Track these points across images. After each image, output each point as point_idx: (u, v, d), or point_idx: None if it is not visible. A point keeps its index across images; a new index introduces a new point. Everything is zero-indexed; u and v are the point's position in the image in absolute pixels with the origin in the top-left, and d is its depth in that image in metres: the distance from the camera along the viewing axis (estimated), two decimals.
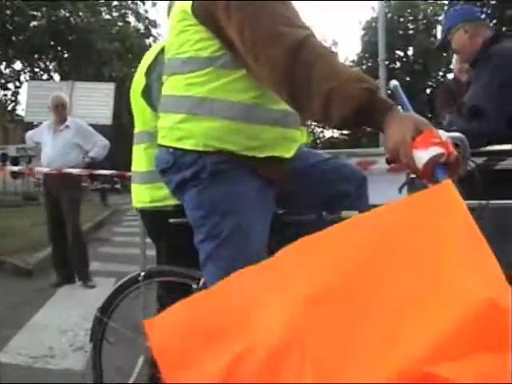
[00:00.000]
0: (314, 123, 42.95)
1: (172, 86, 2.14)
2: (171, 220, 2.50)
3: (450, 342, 1.11)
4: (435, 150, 1.51)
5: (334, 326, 1.31)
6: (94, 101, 15.88)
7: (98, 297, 2.78)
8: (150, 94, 3.12)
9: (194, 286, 2.47)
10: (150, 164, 3.08)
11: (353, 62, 41.58)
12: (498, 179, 2.97)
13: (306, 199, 2.39)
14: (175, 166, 2.11)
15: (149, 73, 3.17)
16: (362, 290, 1.33)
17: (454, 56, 4.74)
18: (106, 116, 15.74)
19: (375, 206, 2.59)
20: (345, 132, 43.11)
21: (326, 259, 1.43)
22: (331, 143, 40.38)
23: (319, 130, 47.28)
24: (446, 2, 28.77)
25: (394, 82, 1.91)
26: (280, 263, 1.52)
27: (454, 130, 2.56)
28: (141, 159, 3.20)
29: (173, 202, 2.90)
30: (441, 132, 1.58)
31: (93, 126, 8.29)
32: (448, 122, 3.65)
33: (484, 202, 2.05)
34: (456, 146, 1.72)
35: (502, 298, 1.10)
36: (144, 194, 3.16)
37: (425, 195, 1.41)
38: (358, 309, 1.31)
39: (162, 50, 3.14)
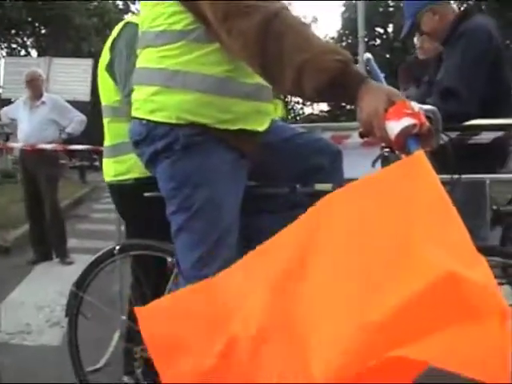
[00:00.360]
0: (293, 99, 42.93)
1: (146, 58, 2.13)
2: (146, 194, 2.50)
3: (409, 314, 1.12)
4: (407, 121, 1.52)
5: (309, 300, 1.32)
6: (72, 77, 15.76)
7: (75, 273, 2.77)
8: (113, 69, 3.12)
9: (169, 260, 2.47)
10: (114, 138, 3.14)
11: (333, 38, 41.49)
12: (471, 153, 3.00)
13: (280, 172, 2.38)
14: (148, 138, 2.10)
15: (112, 47, 3.17)
16: (337, 262, 1.34)
17: (417, 35, 4.68)
18: (84, 92, 15.63)
19: (350, 180, 2.62)
20: (324, 109, 43.09)
21: (304, 237, 1.44)
22: (311, 120, 40.35)
23: (299, 106, 47.26)
24: None
25: (367, 55, 1.91)
26: (264, 252, 1.52)
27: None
28: (107, 133, 3.21)
29: (136, 175, 2.93)
30: (413, 103, 1.58)
31: (71, 102, 8.22)
32: (421, 97, 3.66)
33: (456, 175, 2.05)
34: (428, 118, 1.72)
35: (465, 271, 1.11)
36: (109, 168, 3.17)
37: (397, 167, 1.42)
38: (330, 282, 1.32)
39: (126, 25, 3.14)
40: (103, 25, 28.03)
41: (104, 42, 3.30)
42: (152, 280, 2.79)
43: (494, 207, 3.89)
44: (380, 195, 1.38)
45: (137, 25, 3.05)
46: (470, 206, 3.24)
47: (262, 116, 2.21)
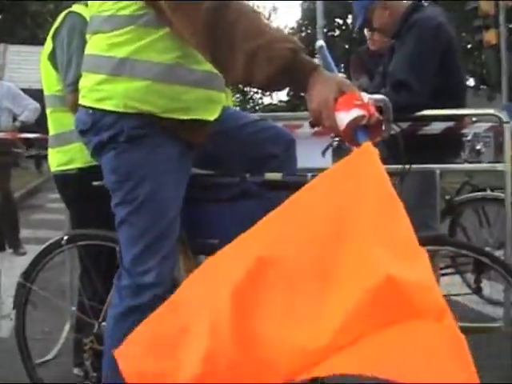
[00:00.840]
0: (253, 89, 42.88)
1: (94, 45, 2.08)
2: (94, 183, 2.47)
3: (353, 319, 1.13)
4: (356, 112, 1.51)
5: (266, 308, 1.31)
6: (27, 65, 15.49)
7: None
8: (55, 58, 3.09)
9: (118, 249, 2.44)
10: (56, 128, 3.12)
11: (292, 29, 41.46)
12: (422, 144, 3.03)
13: (232, 160, 2.35)
14: (94, 127, 2.05)
15: (55, 37, 3.14)
16: (291, 270, 1.33)
17: None
18: (39, 80, 15.34)
19: (302, 169, 2.62)
20: (283, 99, 43.15)
21: (259, 244, 1.43)
22: (270, 110, 40.35)
23: (258, 96, 47.20)
24: None
25: (319, 43, 1.89)
26: (222, 259, 1.50)
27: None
28: (50, 123, 3.19)
29: (78, 164, 2.92)
30: (363, 94, 1.57)
31: (26, 90, 8.07)
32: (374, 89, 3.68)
33: (407, 166, 2.07)
34: (379, 108, 1.73)
35: (405, 271, 1.11)
36: (53, 158, 3.15)
37: (346, 162, 1.42)
38: (285, 291, 1.32)
39: (68, 14, 3.10)
40: (59, 12, 27.52)
41: None
42: (101, 270, 2.76)
43: (447, 197, 3.95)
44: (330, 194, 1.38)
45: (79, 14, 3.03)
46: (422, 197, 3.28)
47: (214, 105, 2.16)
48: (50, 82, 3.14)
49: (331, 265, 1.27)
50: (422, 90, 3.14)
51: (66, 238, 2.63)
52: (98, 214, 2.39)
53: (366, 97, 1.56)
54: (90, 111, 2.05)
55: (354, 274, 1.19)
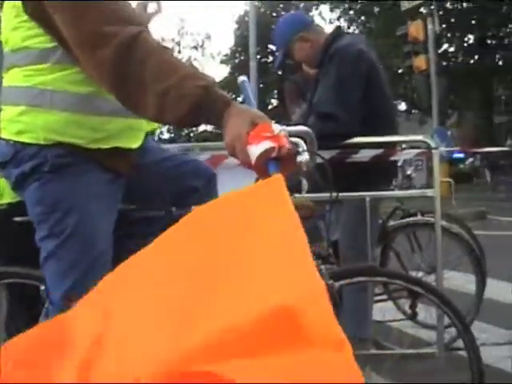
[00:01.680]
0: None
1: (12, 77, 2.02)
2: (16, 218, 2.37)
3: (233, 340, 1.07)
4: (266, 144, 1.48)
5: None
6: None
7: None
8: None
9: (42, 288, 2.34)
10: None
11: (226, 55, 41.67)
12: (352, 172, 3.03)
13: (154, 195, 2.31)
14: (15, 159, 1.97)
15: None
16: (176, 283, 1.27)
17: None
18: None
19: None
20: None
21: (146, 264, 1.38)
22: (204, 137, 40.52)
23: None
24: None
25: (241, 78, 1.87)
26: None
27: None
28: None
29: (7, 199, 2.80)
30: (276, 126, 1.54)
31: None
32: (298, 119, 3.67)
33: (334, 194, 2.05)
34: (303, 139, 1.70)
35: (299, 302, 1.05)
36: None
37: (254, 189, 1.38)
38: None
39: None
40: None
41: None
42: (26, 308, 2.66)
43: (380, 220, 3.96)
44: (232, 217, 1.33)
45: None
46: (355, 224, 3.28)
47: (135, 132, 2.12)
48: None
49: (219, 279, 1.20)
50: (348, 119, 3.12)
51: None
52: (29, 251, 2.29)
53: (278, 128, 1.53)
54: (11, 142, 1.97)
55: (241, 296, 1.13)
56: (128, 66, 1.64)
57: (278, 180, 1.34)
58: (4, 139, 2.01)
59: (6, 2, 2.03)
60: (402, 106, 29.29)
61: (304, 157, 1.64)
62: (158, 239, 1.42)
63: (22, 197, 2.05)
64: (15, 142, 1.96)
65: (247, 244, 1.24)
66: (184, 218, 1.41)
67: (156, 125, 2.87)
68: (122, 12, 1.76)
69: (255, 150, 1.48)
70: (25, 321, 2.62)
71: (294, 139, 1.65)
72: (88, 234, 1.96)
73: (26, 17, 1.91)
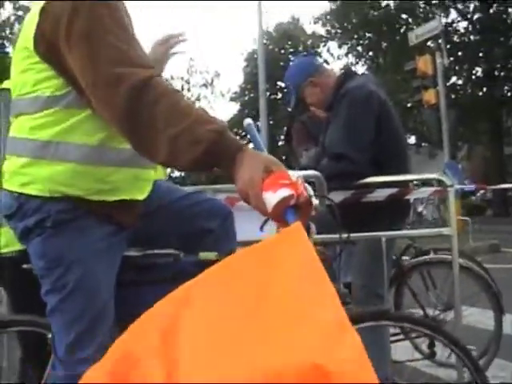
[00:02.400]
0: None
1: (17, 127, 1.99)
2: (24, 266, 2.34)
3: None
4: (284, 193, 1.46)
5: None
6: None
7: None
8: None
9: (50, 336, 2.31)
10: None
11: (235, 93, 41.93)
12: (366, 211, 3.00)
13: (165, 238, 2.26)
14: (19, 212, 1.95)
15: None
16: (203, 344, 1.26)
17: None
18: None
19: (244, 242, 2.53)
20: None
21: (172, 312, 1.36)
22: (214, 177, 40.61)
23: None
24: (324, 34, 29.66)
25: (247, 121, 1.85)
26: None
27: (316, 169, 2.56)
28: None
29: (17, 247, 2.78)
30: (291, 172, 1.53)
31: None
32: (309, 161, 3.66)
33: (344, 235, 2.04)
34: (312, 184, 1.68)
35: (331, 361, 1.05)
36: None
37: (275, 240, 1.36)
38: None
39: (1, 92, 3.01)
40: (4, 80, 27.35)
41: None
42: (37, 356, 2.62)
43: (394, 257, 3.91)
44: (256, 269, 1.32)
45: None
46: (369, 265, 3.24)
47: (142, 183, 2.09)
48: None
49: (252, 332, 1.20)
50: (361, 160, 3.11)
51: None
52: (38, 298, 2.26)
53: (294, 175, 1.52)
54: (15, 195, 1.95)
55: (274, 355, 1.12)
56: (140, 109, 1.63)
57: (298, 229, 1.33)
58: (8, 191, 1.98)
59: (17, 44, 2.03)
60: (412, 140, 29.30)
61: (313, 201, 1.61)
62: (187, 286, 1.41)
63: (28, 249, 2.03)
64: (19, 194, 1.93)
65: (275, 296, 1.23)
66: (211, 269, 1.40)
67: (164, 174, 2.85)
68: (135, 54, 1.76)
69: (273, 198, 1.46)
70: (37, 368, 2.59)
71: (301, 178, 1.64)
72: (90, 288, 1.93)
73: (37, 58, 1.89)
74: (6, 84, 3.08)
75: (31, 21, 1.91)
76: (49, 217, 1.89)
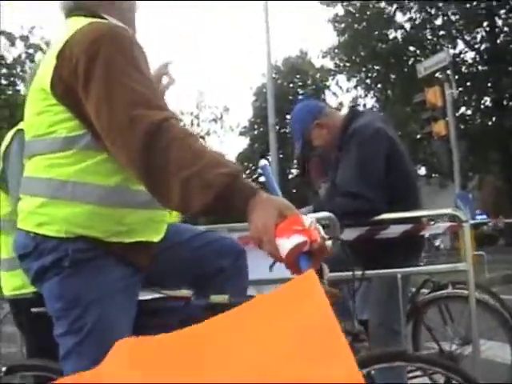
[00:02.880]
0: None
1: (32, 167, 1.99)
2: (33, 309, 2.32)
3: None
4: (297, 239, 1.44)
5: None
6: None
7: None
8: (5, 179, 3.02)
9: None
10: (7, 251, 3.00)
11: (245, 127, 42.10)
12: (381, 248, 2.99)
13: (177, 278, 2.27)
14: (35, 251, 1.92)
15: (5, 156, 3.07)
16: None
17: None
18: None
19: (256, 281, 2.51)
20: None
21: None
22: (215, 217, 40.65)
23: None
24: (333, 68, 29.83)
25: (262, 162, 1.84)
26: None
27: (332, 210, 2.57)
28: (1, 246, 3.09)
29: (32, 288, 2.77)
30: (305, 217, 1.51)
31: None
32: (323, 197, 3.65)
33: (358, 272, 2.02)
34: (326, 226, 1.67)
35: None
36: (6, 282, 3.04)
37: (288, 289, 1.34)
38: None
39: (17, 132, 3.04)
40: (15, 119, 27.51)
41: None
42: None
43: (410, 293, 3.88)
44: (267, 320, 1.31)
45: None
46: (386, 302, 3.21)
47: (158, 225, 2.08)
48: (1, 205, 3.03)
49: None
50: (375, 197, 3.10)
51: (4, 369, 2.47)
52: (52, 342, 2.24)
53: (308, 220, 1.50)
54: (31, 234, 1.93)
55: None
56: (154, 152, 1.62)
57: (311, 277, 1.31)
58: (24, 230, 1.97)
59: (33, 85, 2.03)
60: (422, 171, 29.27)
61: (326, 243, 1.59)
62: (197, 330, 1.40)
63: (41, 290, 2.00)
64: (35, 234, 1.92)
65: (286, 348, 1.22)
66: (225, 314, 1.38)
67: (177, 215, 2.85)
68: (150, 96, 1.76)
69: (286, 244, 1.44)
70: None
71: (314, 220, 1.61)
72: (108, 330, 1.89)
73: (53, 101, 1.90)
74: (22, 125, 3.11)
75: (48, 62, 1.92)
76: (66, 256, 1.87)
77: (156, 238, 2.06)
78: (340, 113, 3.63)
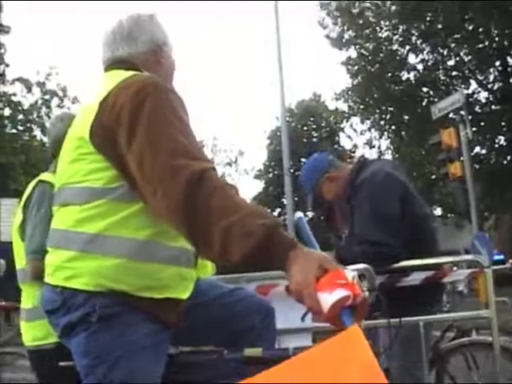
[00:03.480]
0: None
1: (63, 218, 1.98)
2: (61, 363, 2.30)
3: None
4: (340, 293, 1.43)
5: None
6: None
7: None
8: (24, 228, 3.05)
9: None
10: (28, 302, 3.03)
11: (259, 171, 42.17)
12: (403, 295, 2.95)
13: (207, 336, 2.26)
14: (63, 307, 1.92)
15: (25, 207, 3.09)
16: None
17: None
18: (7, 232, 15.20)
19: (279, 330, 2.48)
20: None
21: None
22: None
23: None
24: (346, 110, 29.92)
25: (298, 214, 1.84)
26: None
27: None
28: (23, 296, 3.09)
29: (55, 339, 2.76)
30: (347, 271, 1.50)
31: None
32: (346, 248, 3.65)
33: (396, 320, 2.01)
34: (362, 276, 1.66)
35: None
36: (27, 333, 3.03)
37: (334, 344, 1.33)
38: None
39: (38, 184, 3.06)
40: (30, 164, 27.82)
41: (30, 180, 3.22)
42: None
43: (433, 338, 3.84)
44: (316, 376, 1.29)
45: (49, 183, 2.97)
46: (409, 349, 3.17)
47: (187, 282, 2.07)
48: (20, 256, 3.06)
49: None
50: (396, 243, 3.08)
51: None
52: None
53: (350, 274, 1.48)
54: (59, 289, 1.93)
55: None
56: (195, 201, 1.63)
57: (356, 333, 1.31)
58: (51, 285, 1.96)
59: (69, 134, 2.07)
60: (438, 212, 29.10)
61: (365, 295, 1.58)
62: None
63: (69, 346, 1.99)
64: (63, 288, 1.91)
65: None
66: (270, 371, 1.35)
67: (211, 271, 2.85)
68: (192, 147, 1.79)
69: (328, 299, 1.43)
70: None
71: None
72: None
73: (90, 149, 1.92)
74: (43, 176, 3.13)
75: (89, 110, 1.95)
76: (94, 311, 1.86)
77: (185, 296, 2.05)
78: (349, 165, 3.63)
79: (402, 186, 3.29)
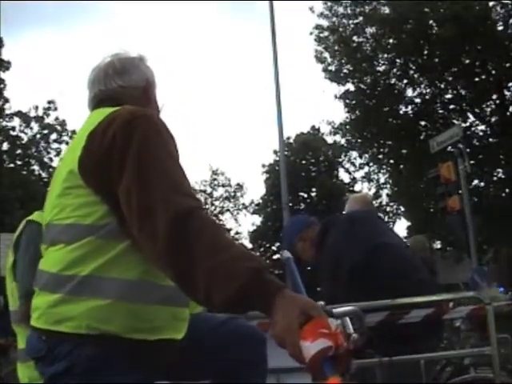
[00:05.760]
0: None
1: (51, 260, 1.92)
2: None
3: None
4: (322, 344, 1.39)
5: None
6: None
7: None
8: (16, 269, 3.01)
9: None
10: (23, 342, 2.93)
11: (258, 205, 42.12)
12: (403, 332, 2.93)
13: (203, 370, 2.23)
14: (48, 356, 1.85)
15: (15, 247, 3.06)
16: None
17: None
18: (4, 267, 15.11)
19: (275, 369, 2.45)
20: None
21: None
22: None
23: None
24: (345, 144, 30.00)
25: (286, 254, 1.82)
26: None
27: None
28: (18, 336, 3.08)
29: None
30: (331, 320, 1.46)
31: None
32: None
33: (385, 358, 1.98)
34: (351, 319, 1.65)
35: None
36: (23, 373, 3.00)
37: None
38: None
39: (27, 224, 3.03)
40: (28, 197, 27.76)
41: (29, 214, 3.17)
42: None
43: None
44: None
45: (38, 223, 2.95)
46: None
47: (180, 322, 2.01)
48: (13, 297, 3.03)
49: None
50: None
51: None
52: None
53: (333, 323, 1.45)
54: (44, 337, 1.87)
55: None
56: (181, 238, 1.60)
57: None
58: (38, 330, 1.90)
59: (58, 170, 2.05)
60: (437, 245, 29.06)
61: (352, 336, 1.61)
62: None
63: None
64: (48, 335, 1.85)
65: None
66: None
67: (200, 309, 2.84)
68: (181, 183, 1.76)
69: (310, 348, 1.39)
70: None
71: (340, 320, 1.61)
72: None
73: (78, 182, 1.88)
74: (33, 215, 3.10)
75: (76, 143, 1.93)
76: (79, 363, 1.79)
77: (179, 336, 2.00)
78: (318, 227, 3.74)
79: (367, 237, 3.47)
